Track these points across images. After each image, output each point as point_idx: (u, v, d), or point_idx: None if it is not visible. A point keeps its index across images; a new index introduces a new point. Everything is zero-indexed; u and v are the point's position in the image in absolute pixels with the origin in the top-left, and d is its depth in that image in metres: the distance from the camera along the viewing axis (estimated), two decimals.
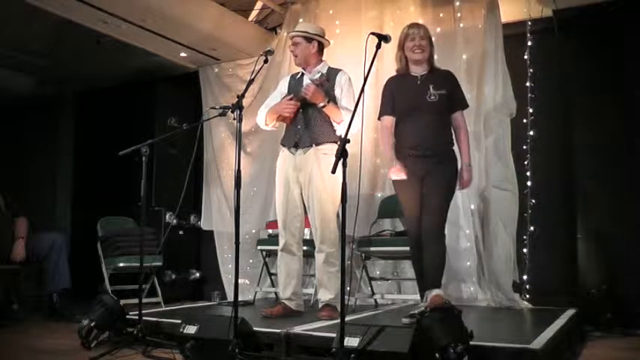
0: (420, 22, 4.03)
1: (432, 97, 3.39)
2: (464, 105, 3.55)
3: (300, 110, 3.65)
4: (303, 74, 3.81)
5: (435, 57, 3.57)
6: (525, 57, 4.45)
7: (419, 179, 3.38)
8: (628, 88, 4.29)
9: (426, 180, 3.37)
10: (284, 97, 3.75)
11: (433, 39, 3.53)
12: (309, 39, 3.71)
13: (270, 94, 4.00)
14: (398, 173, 3.38)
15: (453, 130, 3.50)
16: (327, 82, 3.60)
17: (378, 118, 3.56)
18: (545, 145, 4.44)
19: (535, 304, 4.19)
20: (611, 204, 4.25)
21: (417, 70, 3.48)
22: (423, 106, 3.40)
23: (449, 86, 3.47)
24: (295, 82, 3.82)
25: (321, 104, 3.55)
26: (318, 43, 3.74)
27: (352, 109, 3.55)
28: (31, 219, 4.61)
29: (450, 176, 3.42)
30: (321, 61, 3.79)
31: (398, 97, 3.48)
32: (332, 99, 3.61)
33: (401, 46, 3.48)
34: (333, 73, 3.72)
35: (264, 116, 3.76)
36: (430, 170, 3.36)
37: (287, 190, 3.68)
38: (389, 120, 3.50)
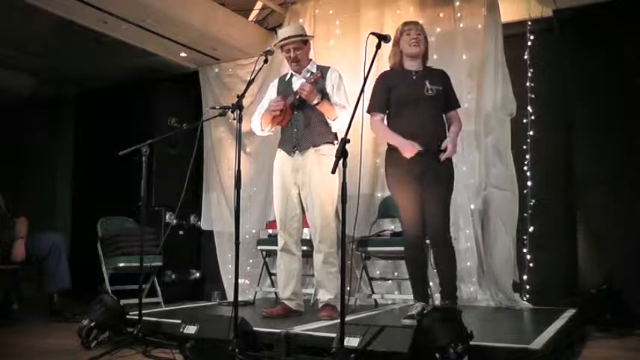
0: (420, 22, 4.02)
1: (430, 92, 3.36)
2: (458, 104, 3.54)
3: (296, 112, 3.64)
4: (292, 75, 3.79)
5: (435, 57, 3.55)
6: (525, 57, 4.46)
7: (417, 178, 3.30)
8: (628, 88, 4.28)
9: (425, 178, 3.29)
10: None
11: (433, 39, 3.54)
12: (305, 41, 3.72)
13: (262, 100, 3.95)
14: (415, 146, 3.22)
15: (447, 124, 3.47)
16: (321, 79, 3.58)
17: (367, 112, 3.43)
18: (545, 145, 4.44)
19: (535, 304, 4.19)
20: (611, 204, 4.25)
21: (412, 66, 3.44)
22: (421, 99, 3.36)
23: (443, 84, 3.44)
24: (285, 84, 3.80)
25: (315, 102, 3.52)
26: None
27: (345, 104, 3.59)
28: (31, 219, 4.60)
29: (448, 175, 3.38)
30: (310, 59, 3.79)
31: (394, 90, 3.42)
32: (324, 96, 3.59)
33: (396, 42, 3.45)
34: (323, 70, 3.70)
35: (259, 122, 3.76)
36: (428, 168, 3.28)
37: (285, 191, 3.67)
38: (380, 117, 3.45)
